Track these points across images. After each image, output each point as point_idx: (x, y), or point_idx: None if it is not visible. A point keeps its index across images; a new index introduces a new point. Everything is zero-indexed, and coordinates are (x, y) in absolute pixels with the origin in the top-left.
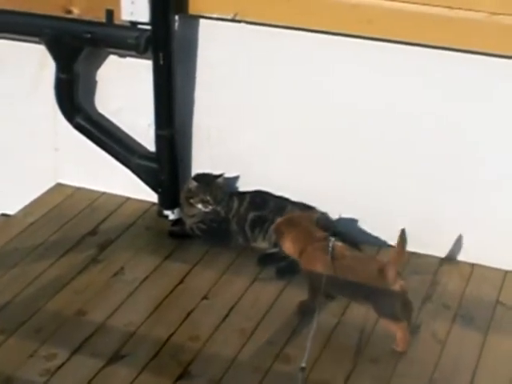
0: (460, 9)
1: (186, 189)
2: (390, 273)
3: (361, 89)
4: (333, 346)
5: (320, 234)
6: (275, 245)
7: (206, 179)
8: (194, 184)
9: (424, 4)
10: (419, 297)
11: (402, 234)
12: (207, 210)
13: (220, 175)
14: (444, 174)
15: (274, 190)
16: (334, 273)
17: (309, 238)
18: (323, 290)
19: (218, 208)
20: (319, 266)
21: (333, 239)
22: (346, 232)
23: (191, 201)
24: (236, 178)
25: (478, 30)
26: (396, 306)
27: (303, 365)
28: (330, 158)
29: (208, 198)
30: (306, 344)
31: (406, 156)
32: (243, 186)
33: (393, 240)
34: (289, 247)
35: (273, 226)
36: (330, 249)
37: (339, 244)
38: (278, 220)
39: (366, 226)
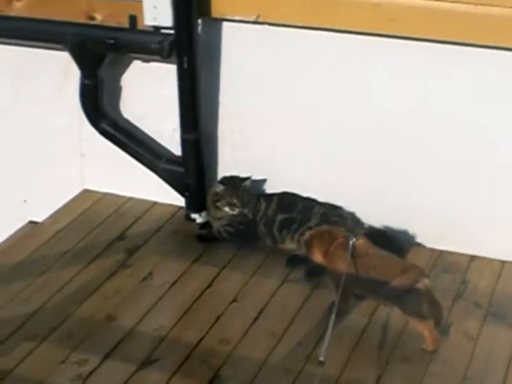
0: (484, 5)
1: (213, 192)
2: (414, 272)
3: (384, 87)
4: (363, 346)
5: (342, 233)
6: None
7: (232, 182)
8: (220, 187)
9: (447, 1)
10: (450, 295)
11: None
12: (234, 212)
13: (247, 178)
14: (472, 171)
15: (301, 191)
16: (356, 271)
17: (331, 238)
18: (347, 288)
19: (245, 211)
20: (340, 264)
21: (353, 237)
22: (387, 233)
23: (218, 204)
24: (263, 181)
25: (502, 26)
26: (421, 305)
27: (321, 358)
28: (354, 157)
29: (235, 200)
30: (335, 342)
31: (432, 154)
32: (270, 189)
33: (420, 238)
34: (317, 256)
35: (303, 239)
36: (350, 246)
37: (362, 242)
38: (308, 233)
39: (394, 225)
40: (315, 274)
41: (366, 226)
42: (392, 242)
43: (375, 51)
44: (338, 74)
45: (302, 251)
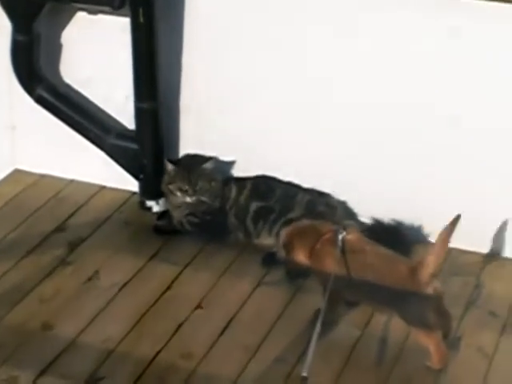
0: None
1: (166, 173)
2: (424, 272)
3: (387, 52)
4: (356, 363)
5: (329, 226)
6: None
7: (187, 163)
8: (171, 167)
9: None
10: (460, 303)
11: (452, 223)
12: (188, 200)
13: (209, 159)
14: (487, 161)
15: (281, 175)
16: (349, 272)
17: (316, 235)
18: (336, 293)
19: (203, 198)
20: (329, 263)
21: (343, 231)
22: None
23: (170, 187)
24: (232, 162)
25: None
26: (428, 313)
27: (304, 374)
28: (349, 135)
29: (186, 186)
30: (321, 359)
31: (440, 141)
32: (243, 172)
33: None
34: (300, 257)
35: (280, 240)
36: (340, 241)
37: (356, 236)
38: (284, 231)
39: (395, 217)
40: (297, 275)
41: (359, 217)
42: (398, 238)
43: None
44: (335, 29)
45: (281, 252)
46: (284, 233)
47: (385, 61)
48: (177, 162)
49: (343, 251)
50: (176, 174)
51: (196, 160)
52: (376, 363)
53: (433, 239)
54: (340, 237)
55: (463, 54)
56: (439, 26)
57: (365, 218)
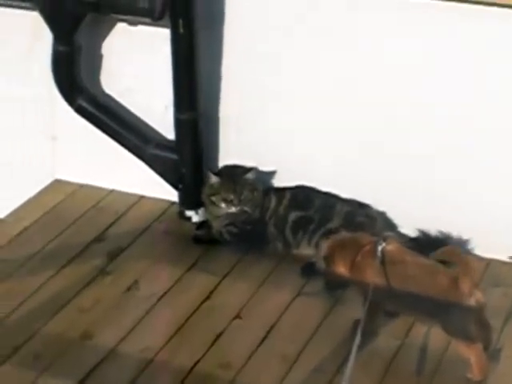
0: None
1: (208, 184)
2: (465, 283)
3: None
4: (395, 373)
5: (369, 238)
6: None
7: (231, 173)
8: (214, 179)
9: None
10: (500, 314)
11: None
12: (232, 210)
13: (250, 169)
14: None
15: (320, 185)
16: (389, 282)
17: (356, 247)
18: (376, 304)
19: (246, 208)
20: (370, 274)
21: (383, 242)
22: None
23: (213, 199)
24: (272, 173)
25: None
26: (470, 324)
27: None
28: (393, 146)
29: (231, 196)
30: (361, 369)
31: (473, 145)
32: (282, 182)
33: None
34: (341, 270)
35: (321, 252)
36: (379, 253)
37: (396, 247)
38: (325, 243)
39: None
40: (336, 286)
41: (399, 228)
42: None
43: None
44: (378, 39)
45: (321, 263)
46: (325, 245)
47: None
48: (219, 173)
49: (383, 262)
50: (220, 185)
51: (238, 170)
52: (416, 374)
53: (480, 252)
54: (380, 248)
55: (470, 54)
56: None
57: (407, 229)
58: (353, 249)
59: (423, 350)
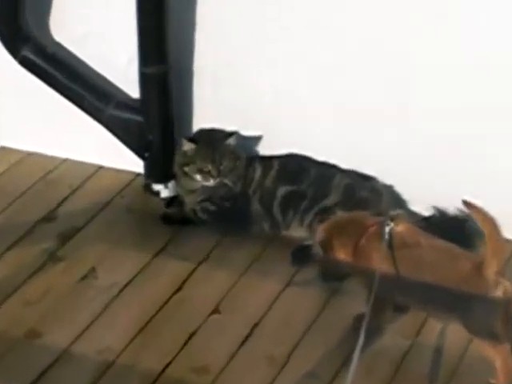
0: None
1: (180, 152)
2: (490, 271)
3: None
4: (404, 379)
5: (374, 218)
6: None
7: (208, 139)
8: (188, 146)
9: None
10: None
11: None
12: (209, 183)
13: (231, 133)
14: None
15: (314, 154)
16: (401, 270)
17: (359, 229)
18: (384, 296)
19: (226, 181)
20: (375, 260)
21: (391, 222)
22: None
23: (186, 169)
24: (258, 138)
25: None
26: (496, 320)
27: None
28: (399, 109)
29: (209, 166)
30: (364, 373)
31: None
32: (268, 150)
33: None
34: (342, 255)
35: (317, 237)
36: (387, 235)
37: (407, 227)
38: (321, 227)
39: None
40: (335, 276)
41: (410, 205)
42: (464, 232)
43: None
44: None
45: (317, 249)
46: (321, 228)
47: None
48: (194, 139)
49: (391, 246)
50: (195, 152)
51: (217, 135)
52: (429, 379)
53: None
54: (387, 229)
55: None
56: None
57: (419, 206)
58: (355, 231)
59: (438, 350)
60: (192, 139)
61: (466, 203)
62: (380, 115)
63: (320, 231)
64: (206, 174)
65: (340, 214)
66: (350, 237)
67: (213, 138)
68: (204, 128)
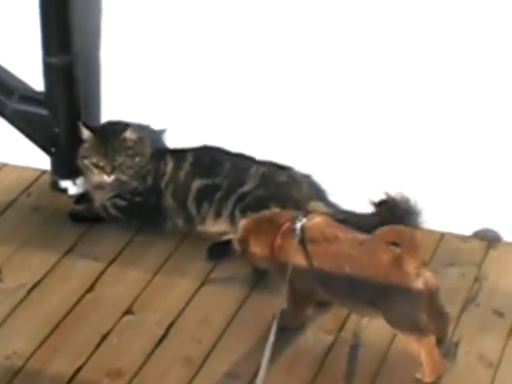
0: None
1: (83, 143)
2: (410, 262)
3: None
4: (327, 376)
5: (289, 214)
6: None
7: (105, 131)
8: (86, 133)
9: None
10: (457, 300)
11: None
12: (105, 180)
13: (127, 126)
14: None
15: (231, 147)
16: (319, 264)
17: (274, 227)
18: (306, 292)
19: (123, 177)
20: (292, 256)
21: (302, 218)
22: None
23: (85, 162)
24: (166, 130)
25: None
26: (418, 312)
27: None
28: (310, 95)
29: (103, 162)
30: (285, 372)
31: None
32: (181, 143)
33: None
34: (259, 254)
35: (236, 237)
36: (298, 230)
37: (326, 221)
38: (241, 228)
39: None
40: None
41: (329, 196)
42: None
43: None
44: None
45: (236, 246)
46: (240, 227)
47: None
48: (95, 129)
49: (303, 242)
50: (92, 145)
51: (116, 127)
52: (349, 375)
53: (432, 226)
54: (298, 225)
55: None
56: None
57: (338, 197)
58: (270, 229)
59: (354, 347)
60: (91, 128)
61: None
62: (298, 105)
63: (239, 230)
64: (101, 170)
65: (260, 213)
66: (266, 235)
67: (110, 131)
68: (111, 121)
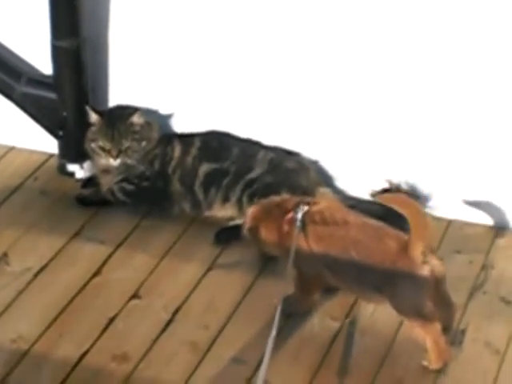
0: None
1: (90, 127)
2: (417, 248)
3: None
4: (333, 362)
5: (295, 200)
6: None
7: (113, 114)
8: (95, 118)
9: None
10: (464, 287)
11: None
12: (112, 163)
13: (135, 110)
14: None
15: (239, 131)
16: (328, 250)
17: (281, 213)
18: (311, 277)
19: (129, 161)
20: (298, 241)
21: (305, 205)
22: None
23: (93, 146)
24: (174, 115)
25: None
26: (424, 299)
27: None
28: (318, 81)
29: (109, 145)
30: (291, 360)
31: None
32: (189, 127)
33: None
34: (270, 242)
35: (245, 225)
36: (299, 216)
37: (334, 206)
38: (250, 214)
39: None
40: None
41: (337, 182)
42: None
43: None
44: None
45: (245, 234)
46: (248, 214)
47: None
48: (102, 113)
49: (305, 230)
50: (99, 128)
51: (124, 112)
52: (359, 361)
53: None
54: (300, 214)
55: None
56: None
57: (346, 183)
58: (279, 215)
59: (350, 334)
60: (99, 112)
61: (374, 195)
62: (306, 90)
63: (248, 217)
64: (107, 154)
65: (268, 199)
66: (275, 221)
67: (118, 115)
68: (120, 105)
